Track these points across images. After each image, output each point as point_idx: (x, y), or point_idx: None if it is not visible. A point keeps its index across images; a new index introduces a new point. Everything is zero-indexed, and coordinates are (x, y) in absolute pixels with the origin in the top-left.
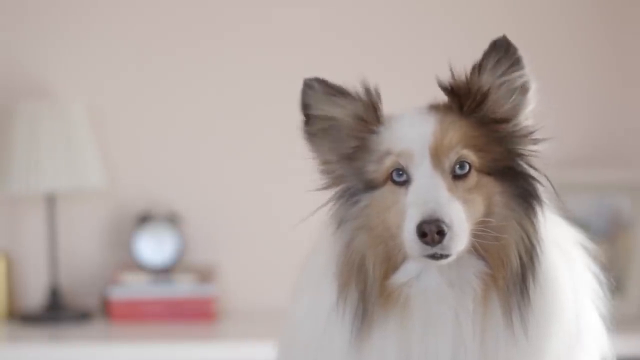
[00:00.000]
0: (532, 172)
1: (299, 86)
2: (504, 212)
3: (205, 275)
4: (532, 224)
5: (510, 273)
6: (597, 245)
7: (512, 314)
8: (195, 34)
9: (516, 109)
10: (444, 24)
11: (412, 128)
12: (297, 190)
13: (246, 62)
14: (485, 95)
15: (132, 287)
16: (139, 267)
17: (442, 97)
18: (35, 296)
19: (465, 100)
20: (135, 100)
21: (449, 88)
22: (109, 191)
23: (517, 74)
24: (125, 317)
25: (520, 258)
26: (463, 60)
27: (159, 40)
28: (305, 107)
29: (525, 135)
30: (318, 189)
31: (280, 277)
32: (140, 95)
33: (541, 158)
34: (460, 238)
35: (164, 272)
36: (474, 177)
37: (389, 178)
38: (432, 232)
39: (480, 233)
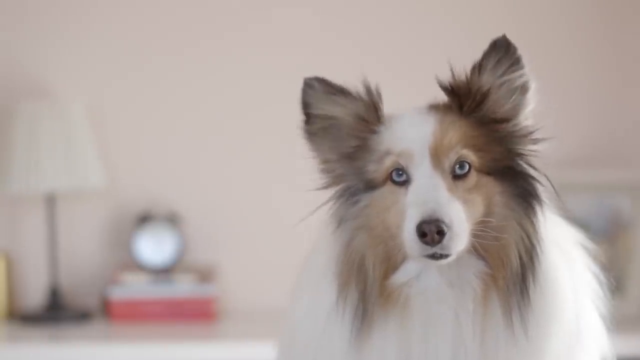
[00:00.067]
0: (532, 172)
1: (299, 86)
2: (504, 212)
3: (205, 275)
4: (532, 224)
5: (510, 273)
6: (597, 245)
7: (512, 314)
8: (195, 34)
9: (516, 109)
10: (444, 24)
11: (412, 128)
12: (297, 189)
13: (246, 62)
14: (485, 95)
15: (132, 287)
16: (139, 267)
17: (442, 97)
18: (35, 296)
19: (465, 100)
20: (135, 100)
21: (449, 88)
22: (109, 191)
23: (517, 73)
24: (125, 317)
25: (520, 258)
26: (463, 60)
27: (159, 40)
28: (306, 106)
29: (525, 135)
30: (318, 189)
31: (280, 277)
32: (140, 95)
33: (541, 158)
34: (460, 238)
35: (164, 272)
36: (473, 177)
37: (389, 178)
38: (432, 232)
39: (480, 233)
